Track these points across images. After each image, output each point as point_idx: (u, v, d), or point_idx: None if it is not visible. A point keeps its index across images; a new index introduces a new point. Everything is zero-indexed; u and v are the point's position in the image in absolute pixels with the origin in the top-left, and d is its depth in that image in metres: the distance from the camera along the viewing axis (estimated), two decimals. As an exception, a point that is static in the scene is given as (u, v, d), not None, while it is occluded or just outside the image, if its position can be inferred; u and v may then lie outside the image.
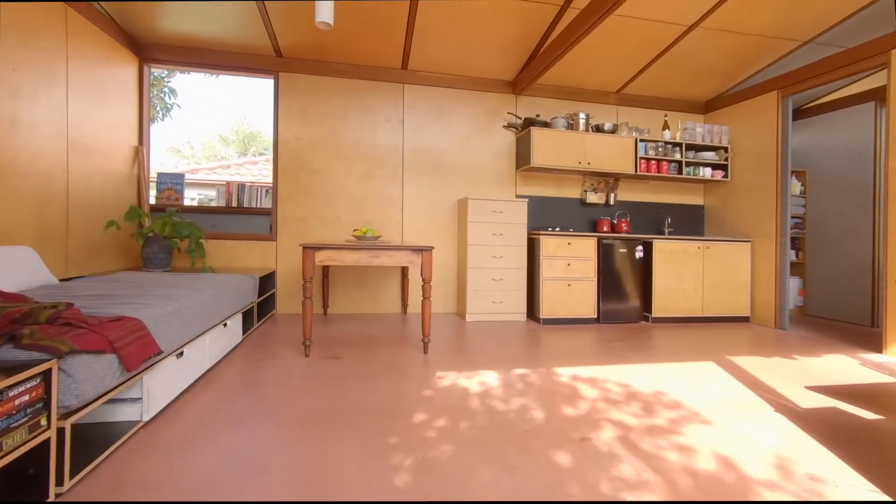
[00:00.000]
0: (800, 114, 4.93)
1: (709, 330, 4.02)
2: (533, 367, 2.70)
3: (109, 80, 3.50)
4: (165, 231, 3.37)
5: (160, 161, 15.64)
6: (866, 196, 4.48)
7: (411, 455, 1.59)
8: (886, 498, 1.41)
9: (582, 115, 4.32)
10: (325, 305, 4.22)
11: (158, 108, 8.56)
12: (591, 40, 3.64)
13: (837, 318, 4.69)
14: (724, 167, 4.63)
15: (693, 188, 5.03)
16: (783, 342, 3.60)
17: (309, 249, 2.66)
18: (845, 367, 2.92)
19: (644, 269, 4.26)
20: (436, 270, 4.34)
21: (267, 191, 4.31)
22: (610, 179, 4.75)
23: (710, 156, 4.60)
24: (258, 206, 4.29)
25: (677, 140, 4.54)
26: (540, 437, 1.76)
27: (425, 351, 2.95)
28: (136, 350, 1.56)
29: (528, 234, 4.26)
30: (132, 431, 1.65)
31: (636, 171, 4.42)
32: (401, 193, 4.41)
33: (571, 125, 4.36)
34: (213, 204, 4.35)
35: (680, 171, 4.54)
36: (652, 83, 4.55)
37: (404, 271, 4.36)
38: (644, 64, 4.17)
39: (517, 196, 4.61)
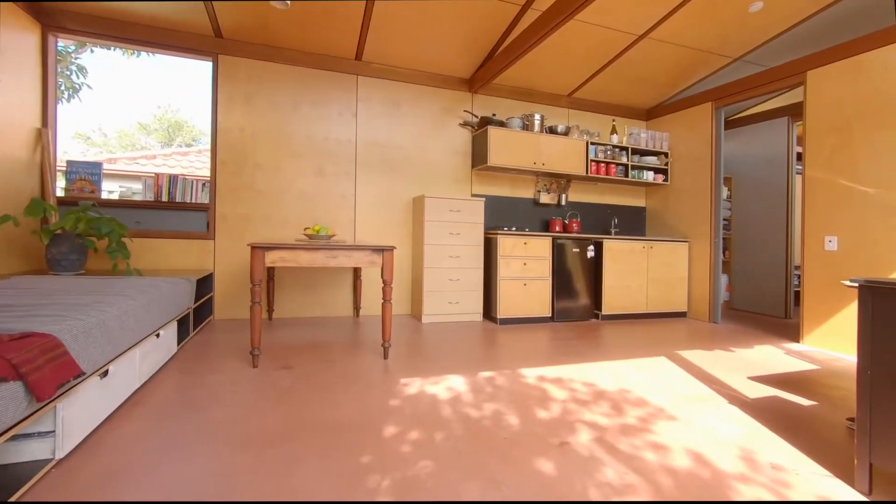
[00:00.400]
0: (727, 125, 5.37)
1: (653, 325, 4.24)
2: (498, 370, 2.65)
3: (4, 49, 2.95)
4: (79, 228, 2.91)
5: (64, 148, 13.86)
6: (781, 201, 4.97)
7: (388, 475, 1.45)
8: (842, 484, 1.50)
9: (537, 117, 4.38)
10: (269, 309, 3.90)
11: (64, 88, 7.53)
12: (549, 43, 3.68)
13: (757, 311, 5.17)
14: (664, 171, 4.92)
15: (636, 190, 5.30)
16: (718, 335, 3.87)
17: (259, 249, 2.41)
18: (774, 356, 3.19)
19: (595, 268, 4.40)
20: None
21: (204, 185, 3.90)
22: (562, 180, 4.86)
23: (652, 160, 4.86)
24: (193, 201, 3.87)
25: (624, 144, 4.75)
26: (520, 445, 1.70)
27: (385, 356, 2.80)
28: (51, 374, 1.27)
29: (485, 233, 4.23)
30: (41, 473, 1.35)
31: (587, 172, 4.56)
32: (353, 190, 4.19)
33: (527, 126, 4.39)
34: (139, 198, 3.85)
35: (626, 174, 4.75)
36: (601, 88, 4.72)
37: (357, 272, 4.15)
38: (596, 69, 4.30)
39: (472, 195, 4.57)
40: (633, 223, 5.28)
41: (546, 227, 4.83)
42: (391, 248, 2.71)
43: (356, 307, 4.16)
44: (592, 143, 4.60)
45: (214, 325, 3.63)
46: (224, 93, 3.80)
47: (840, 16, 3.50)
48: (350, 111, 4.17)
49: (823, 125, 3.48)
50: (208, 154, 4.12)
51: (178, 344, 2.79)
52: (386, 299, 2.72)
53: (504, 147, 4.23)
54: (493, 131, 4.18)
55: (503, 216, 4.68)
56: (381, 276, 2.72)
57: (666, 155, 4.90)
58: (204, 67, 3.84)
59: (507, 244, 4.02)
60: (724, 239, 5.53)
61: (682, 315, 4.72)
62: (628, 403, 2.16)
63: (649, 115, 5.23)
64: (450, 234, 4.02)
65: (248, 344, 2.96)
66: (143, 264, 3.58)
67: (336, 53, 4.03)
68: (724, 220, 5.43)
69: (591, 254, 4.34)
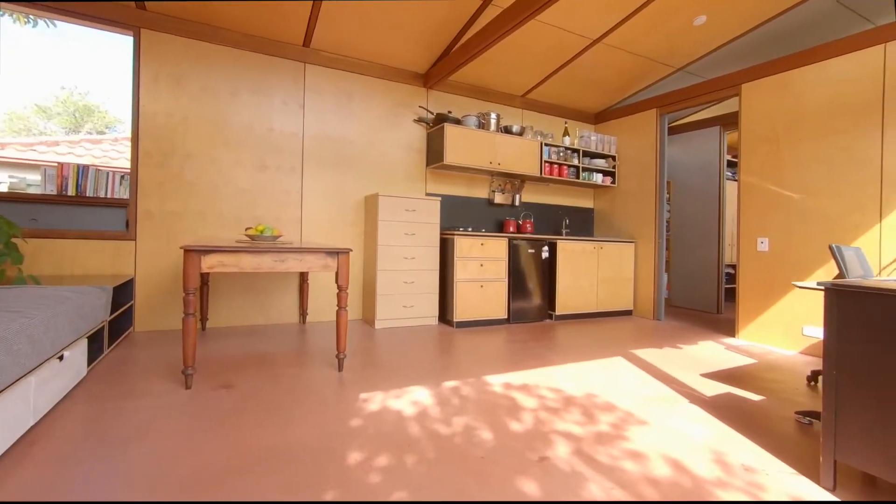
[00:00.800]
0: (668, 131, 5.66)
1: (604, 324, 4.34)
2: (462, 378, 2.52)
3: None
4: (-45, 226, 2.39)
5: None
6: (714, 205, 5.32)
7: (358, 513, 1.27)
8: (808, 481, 1.54)
9: (493, 116, 4.31)
10: (202, 318, 3.49)
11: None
12: (508, 41, 3.62)
13: (693, 308, 5.50)
14: (612, 174, 5.07)
15: (585, 192, 5.43)
16: (664, 333, 4.04)
17: (194, 253, 2.08)
18: (716, 352, 3.36)
19: (549, 269, 4.43)
20: (341, 274, 3.92)
21: (123, 177, 3.39)
22: (517, 181, 4.85)
23: (601, 163, 4.99)
24: (109, 195, 3.35)
25: (576, 146, 4.83)
26: (497, 463, 1.58)
27: (340, 368, 2.57)
28: None
29: (441, 234, 4.10)
30: None
31: (541, 173, 4.58)
32: (300, 187, 3.87)
33: (483, 125, 4.32)
34: (36, 190, 3.26)
35: (578, 176, 4.84)
36: (554, 91, 4.76)
37: (304, 276, 3.84)
38: (551, 71, 4.32)
39: (427, 194, 4.42)
40: (582, 224, 5.41)
41: (500, 227, 4.79)
42: (347, 251, 2.49)
43: (303, 313, 3.85)
44: (546, 145, 4.63)
45: (135, 339, 3.17)
46: (148, 72, 3.34)
47: (771, 35, 3.77)
48: (296, 101, 3.84)
49: (756, 135, 3.73)
50: (127, 142, 3.60)
51: (90, 364, 2.37)
52: (341, 306, 2.49)
53: (460, 145, 4.12)
54: (449, 129, 4.05)
55: (458, 216, 4.58)
56: (336, 282, 2.48)
57: (613, 158, 5.06)
58: (123, 43, 3.31)
59: (465, 245, 3.92)
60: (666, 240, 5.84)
61: (628, 313, 4.89)
62: (598, 409, 2.12)
63: (598, 118, 5.38)
64: (405, 234, 3.84)
65: (177, 359, 2.60)
66: (41, 270, 3.04)
67: (281, 38, 3.69)
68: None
69: (545, 254, 4.36)
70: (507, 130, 4.45)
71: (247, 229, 2.69)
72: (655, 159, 4.64)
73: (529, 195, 5.02)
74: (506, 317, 4.15)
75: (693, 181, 5.51)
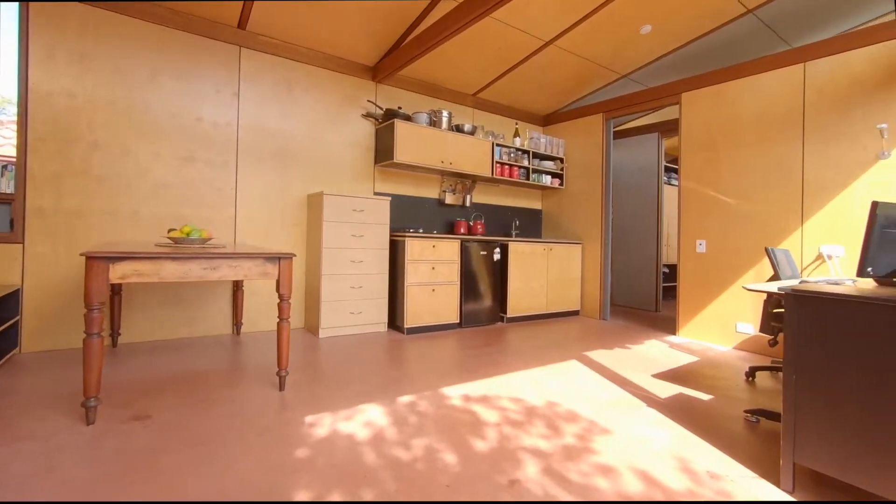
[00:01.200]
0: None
1: (554, 326, 4.37)
2: (418, 392, 2.36)
3: None
4: None
5: None
6: (653, 207, 5.58)
7: (308, 575, 1.06)
8: (767, 484, 1.55)
9: (445, 113, 4.18)
10: (113, 333, 3.02)
11: None
12: (462, 38, 3.51)
13: (633, 306, 5.73)
14: (560, 176, 5.14)
15: (534, 193, 5.46)
16: (612, 333, 4.13)
17: (99, 260, 1.73)
18: (662, 351, 3.47)
19: (501, 271, 4.38)
20: (282, 279, 3.60)
21: (5, 167, 2.84)
22: (468, 181, 4.76)
23: (549, 165, 5.04)
24: (-12, 189, 2.79)
25: (526, 147, 4.83)
26: (466, 491, 1.43)
27: (282, 388, 2.30)
28: None
29: (391, 235, 3.90)
30: None
31: (492, 174, 4.52)
32: (234, 183, 3.49)
33: (434, 122, 4.17)
34: None
35: (528, 178, 4.84)
36: (505, 91, 4.73)
37: (238, 282, 3.47)
38: (504, 70, 4.27)
39: (375, 193, 4.19)
40: (530, 225, 5.43)
41: (451, 228, 4.68)
42: (289, 256, 2.23)
43: (236, 323, 3.47)
44: (498, 145, 4.57)
45: (21, 362, 2.66)
46: (41, 45, 2.82)
47: (706, 49, 3.98)
48: (231, 89, 3.46)
49: (695, 142, 3.91)
50: (12, 127, 3.03)
51: (-41, 397, 1.92)
52: (283, 317, 2.23)
53: (411, 143, 3.94)
54: (399, 125, 3.86)
55: (408, 217, 4.40)
56: (278, 290, 2.22)
57: (561, 160, 5.13)
58: (7, 10, 2.80)
59: (416, 247, 3.75)
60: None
61: (575, 314, 4.98)
62: (561, 419, 2.05)
63: (546, 121, 5.43)
64: (352, 236, 3.60)
65: (76, 387, 2.20)
66: None
67: (213, 17, 3.30)
68: (606, 223, 5.93)
69: (497, 256, 4.31)
70: (459, 129, 4.34)
71: (169, 231, 2.33)
72: (602, 162, 4.75)
73: (480, 196, 4.96)
74: (458, 321, 4.04)
75: (633, 184, 5.75)
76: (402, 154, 3.88)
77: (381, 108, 4.11)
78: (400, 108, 4.10)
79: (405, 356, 3.06)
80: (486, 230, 4.93)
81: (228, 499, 1.35)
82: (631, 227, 5.75)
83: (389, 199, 3.83)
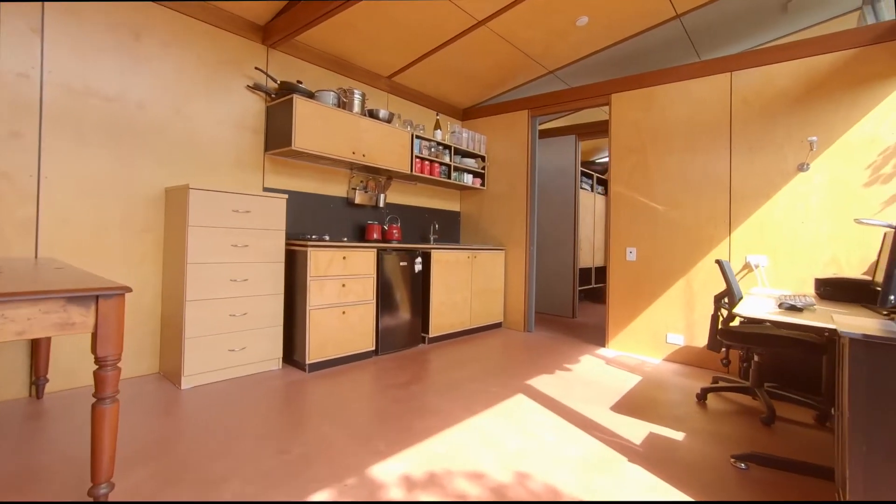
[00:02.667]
0: (527, 136, 5.62)
1: (480, 343, 3.90)
2: (337, 481, 1.63)
3: None
4: None
5: None
6: (569, 210, 5.47)
7: None
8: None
9: (357, 94, 3.42)
10: None
11: None
12: (378, 6, 2.82)
13: (550, 312, 5.58)
14: (481, 175, 4.70)
15: (452, 194, 4.95)
16: (542, 348, 3.79)
17: None
18: (602, 369, 3.19)
19: (423, 284, 3.76)
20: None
21: None
22: (382, 178, 4.04)
23: (471, 163, 4.57)
24: None
25: (447, 142, 4.27)
26: None
27: (105, 505, 1.39)
28: None
29: (288, 244, 3.04)
30: None
31: (411, 170, 3.88)
32: (35, 168, 2.32)
33: (344, 104, 3.38)
34: None
35: (449, 176, 4.30)
36: (424, 77, 4.11)
37: (46, 315, 2.31)
38: (425, 52, 3.64)
39: (266, 189, 3.27)
40: (448, 229, 4.92)
41: (363, 233, 3.93)
42: (118, 292, 1.33)
43: (36, 381, 2.31)
44: (417, 137, 3.94)
45: None
46: None
47: (635, 52, 3.84)
48: (26, 21, 2.28)
49: (625, 145, 3.75)
50: None
51: None
52: (103, 396, 1.33)
53: (315, 127, 3.11)
54: (300, 103, 3.01)
55: (310, 220, 3.54)
56: (94, 351, 1.31)
57: (483, 158, 4.70)
58: None
59: (322, 259, 2.95)
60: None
61: (498, 326, 4.59)
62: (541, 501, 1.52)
63: (466, 115, 4.95)
64: (232, 246, 2.67)
65: None
66: None
67: None
68: (524, 227, 5.69)
69: (418, 267, 3.68)
70: (374, 115, 3.61)
71: None
72: (527, 162, 4.42)
73: (395, 195, 4.28)
74: (373, 348, 3.32)
75: (550, 187, 5.58)
76: (302, 140, 3.03)
77: (276, 81, 3.20)
78: (300, 82, 3.23)
79: (309, 410, 2.27)
80: (403, 235, 4.28)
81: None
82: (548, 232, 5.58)
83: (286, 197, 2.96)
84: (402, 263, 3.53)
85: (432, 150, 4.11)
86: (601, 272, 6.71)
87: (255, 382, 2.64)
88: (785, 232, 3.04)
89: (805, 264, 2.97)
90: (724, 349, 2.66)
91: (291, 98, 2.98)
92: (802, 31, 3.69)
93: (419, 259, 3.68)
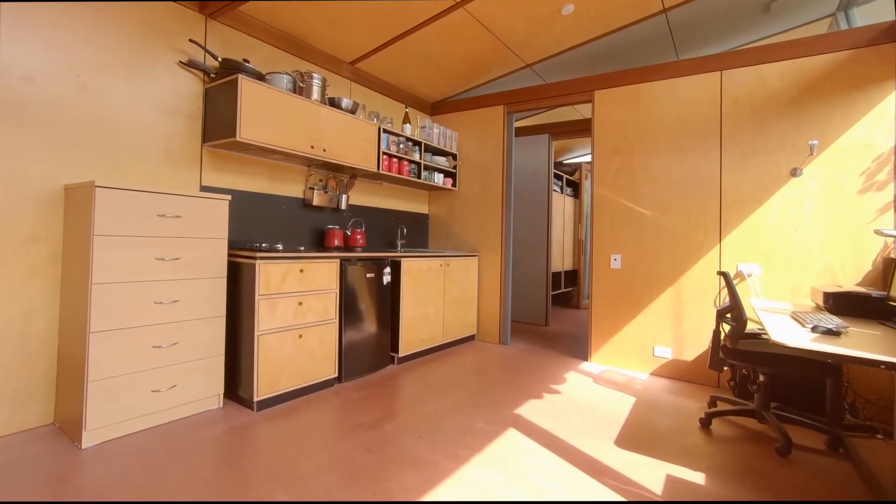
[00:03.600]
0: (498, 135, 5.30)
1: (456, 361, 3.53)
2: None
3: None
4: None
5: None
6: (543, 213, 5.22)
7: None
8: None
9: (317, 78, 2.93)
10: None
11: None
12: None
13: (523, 321, 5.30)
14: (453, 175, 4.33)
15: (420, 195, 4.54)
16: (523, 364, 3.48)
17: None
18: (591, 390, 2.92)
19: (392, 297, 3.34)
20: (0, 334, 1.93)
21: None
22: (345, 176, 3.56)
23: (441, 161, 4.18)
24: None
25: (418, 138, 3.86)
26: None
27: None
28: None
29: (231, 255, 2.51)
30: None
31: (378, 168, 3.44)
32: None
33: (301, 89, 2.89)
34: None
35: (419, 175, 3.89)
36: (391, 65, 3.67)
37: None
38: (395, 35, 3.20)
39: (203, 189, 2.71)
40: (416, 234, 4.50)
41: (322, 240, 3.44)
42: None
43: None
44: (385, 131, 3.50)
45: None
46: None
47: (617, 48, 3.60)
48: None
49: (609, 145, 3.51)
50: None
51: None
52: None
53: (265, 114, 2.60)
54: (247, 85, 2.49)
55: (258, 225, 3.01)
56: None
57: (454, 157, 4.33)
58: None
59: (274, 274, 2.45)
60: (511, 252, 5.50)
61: (471, 339, 4.25)
62: None
63: (434, 109, 4.56)
64: (158, 260, 2.13)
65: None
66: None
67: None
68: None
69: (387, 278, 3.25)
70: (336, 104, 3.14)
71: None
72: (502, 161, 4.10)
73: (358, 196, 3.82)
74: (336, 374, 2.86)
75: (521, 188, 5.30)
76: (250, 129, 2.52)
77: (216, 57, 2.66)
78: (247, 60, 2.71)
79: (255, 469, 1.80)
80: (368, 242, 3.83)
81: None
82: (519, 236, 5.30)
83: (229, 198, 2.43)
84: (368, 275, 3.08)
85: (401, 146, 3.69)
86: (571, 276, 6.55)
87: (188, 430, 2.12)
88: (778, 239, 2.90)
89: (799, 273, 2.83)
90: (725, 368, 2.46)
91: (236, 78, 2.46)
92: (784, 32, 3.61)
93: (388, 269, 3.25)
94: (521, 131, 5.36)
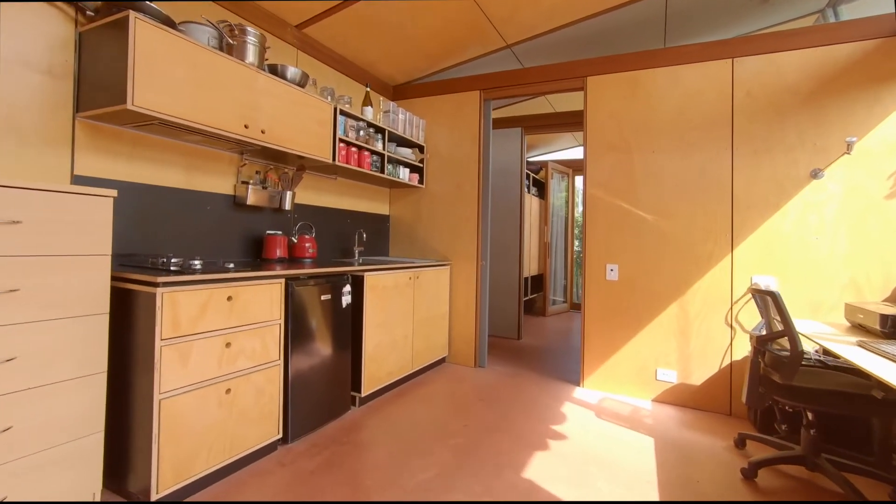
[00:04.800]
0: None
1: (428, 396, 2.92)
2: None
3: None
4: None
5: None
6: (514, 216, 4.73)
7: None
8: None
9: (252, 34, 2.17)
10: None
11: None
12: None
13: (494, 334, 4.78)
14: (420, 170, 3.69)
15: (379, 192, 3.85)
16: (510, 396, 2.95)
17: None
18: (596, 427, 2.45)
19: (353, 322, 2.64)
20: None
21: None
22: (290, 168, 2.80)
23: (407, 153, 3.53)
24: None
25: (381, 124, 3.18)
26: None
27: None
28: None
29: (116, 280, 1.70)
30: None
31: (334, 158, 2.72)
32: None
33: (231, 48, 2.11)
34: None
35: (382, 169, 3.21)
36: (347, 36, 2.97)
37: None
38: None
39: (77, 179, 1.86)
40: (375, 238, 3.81)
41: (258, 250, 2.67)
42: None
43: None
44: (343, 113, 2.80)
45: None
46: None
47: (604, 30, 3.16)
48: None
49: (603, 140, 3.07)
50: None
51: None
52: None
53: (176, 74, 1.82)
54: (145, 28, 1.69)
55: (166, 231, 2.19)
56: None
57: (421, 149, 3.69)
58: None
59: (187, 306, 1.68)
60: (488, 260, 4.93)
61: (442, 362, 3.65)
62: None
63: (397, 94, 3.88)
64: (-20, 291, 1.30)
65: None
66: None
67: None
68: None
69: (347, 298, 2.56)
70: (279, 74, 2.39)
71: None
72: (478, 155, 3.53)
73: (306, 193, 3.07)
74: (280, 434, 2.13)
75: (493, 186, 4.77)
76: (150, 94, 1.72)
77: (90, -11, 1.82)
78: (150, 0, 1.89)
79: None
80: (319, 251, 3.09)
81: None
82: (491, 241, 4.77)
83: (115, 193, 1.62)
84: (323, 297, 2.37)
85: (361, 132, 2.99)
86: (537, 280, 6.16)
87: (36, 565, 1.32)
88: (796, 248, 2.59)
89: (820, 286, 2.54)
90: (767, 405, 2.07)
91: (127, 16, 1.66)
92: (777, 26, 3.36)
93: (348, 287, 2.55)
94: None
